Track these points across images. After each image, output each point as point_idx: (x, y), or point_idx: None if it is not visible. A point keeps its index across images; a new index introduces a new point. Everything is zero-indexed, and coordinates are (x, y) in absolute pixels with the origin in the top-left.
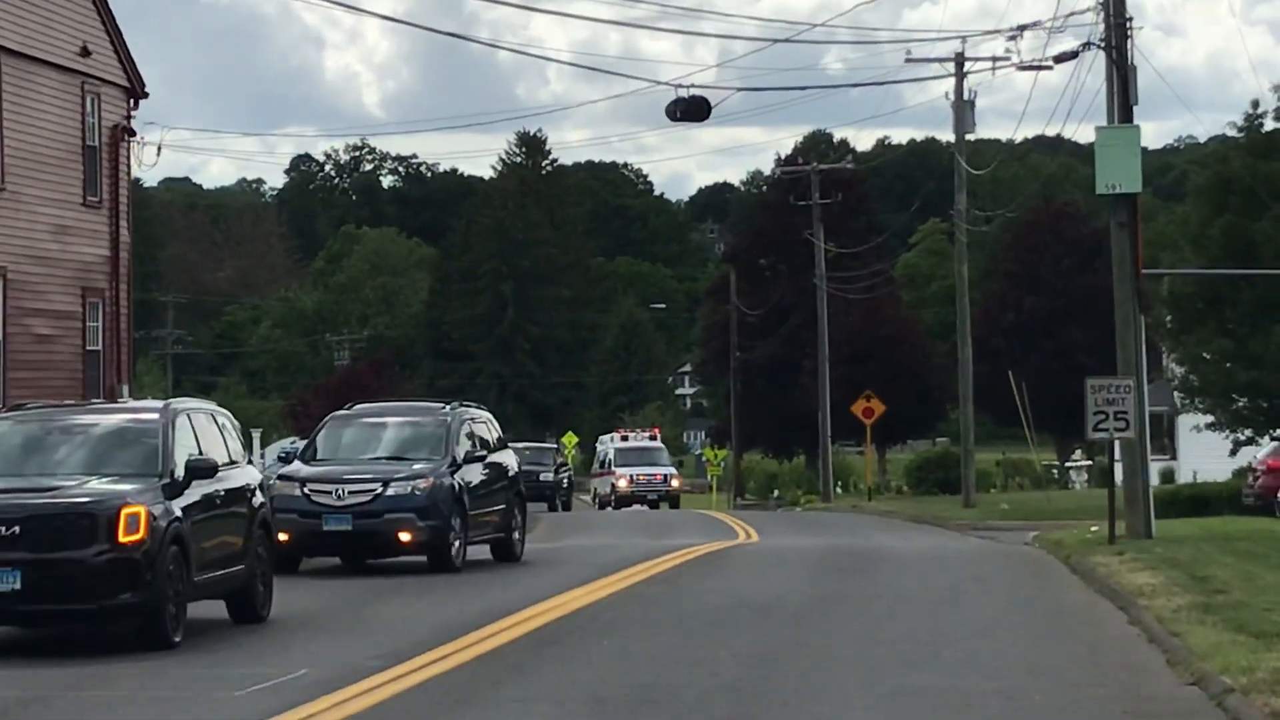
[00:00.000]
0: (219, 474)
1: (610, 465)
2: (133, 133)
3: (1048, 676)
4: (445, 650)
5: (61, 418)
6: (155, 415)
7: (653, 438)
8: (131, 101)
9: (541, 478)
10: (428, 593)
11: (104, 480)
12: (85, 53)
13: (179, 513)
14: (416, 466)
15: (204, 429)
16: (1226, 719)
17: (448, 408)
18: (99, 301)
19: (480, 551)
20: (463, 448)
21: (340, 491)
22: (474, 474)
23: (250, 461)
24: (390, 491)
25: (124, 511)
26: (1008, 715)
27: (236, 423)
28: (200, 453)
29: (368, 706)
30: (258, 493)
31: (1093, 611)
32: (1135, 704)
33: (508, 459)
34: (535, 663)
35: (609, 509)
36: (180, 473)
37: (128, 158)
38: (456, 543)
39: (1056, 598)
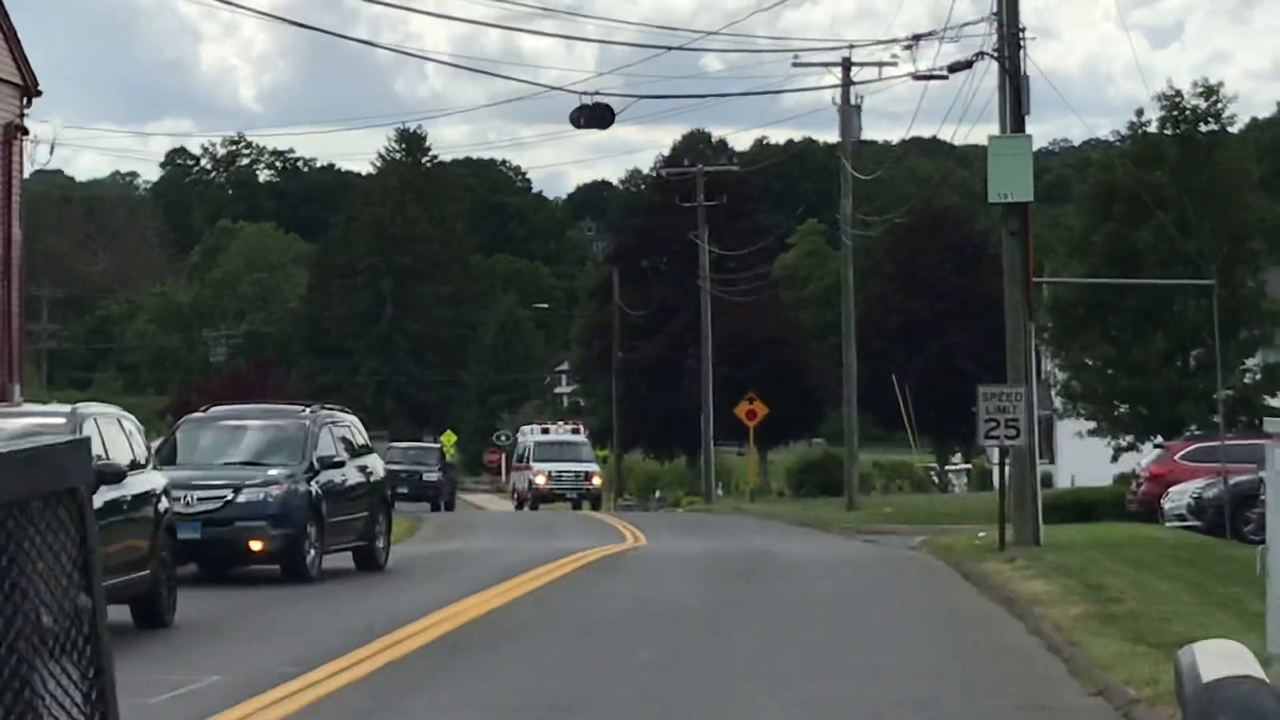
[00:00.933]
0: (125, 479)
1: (529, 460)
2: (26, 131)
3: (953, 685)
4: (355, 656)
5: None
6: (61, 420)
7: (575, 431)
8: (25, 99)
9: (425, 478)
10: (329, 598)
11: None
12: None
13: None
14: (271, 472)
15: (110, 433)
16: None
17: (308, 411)
18: None
19: (343, 560)
20: (322, 452)
21: (189, 498)
22: (334, 479)
23: (156, 468)
24: (241, 498)
25: None
26: None
27: (141, 427)
28: (107, 457)
29: (285, 715)
30: (163, 497)
31: (989, 619)
32: (1041, 715)
33: (373, 463)
34: (446, 670)
35: (525, 508)
36: None
37: (20, 156)
38: (312, 551)
39: (952, 605)
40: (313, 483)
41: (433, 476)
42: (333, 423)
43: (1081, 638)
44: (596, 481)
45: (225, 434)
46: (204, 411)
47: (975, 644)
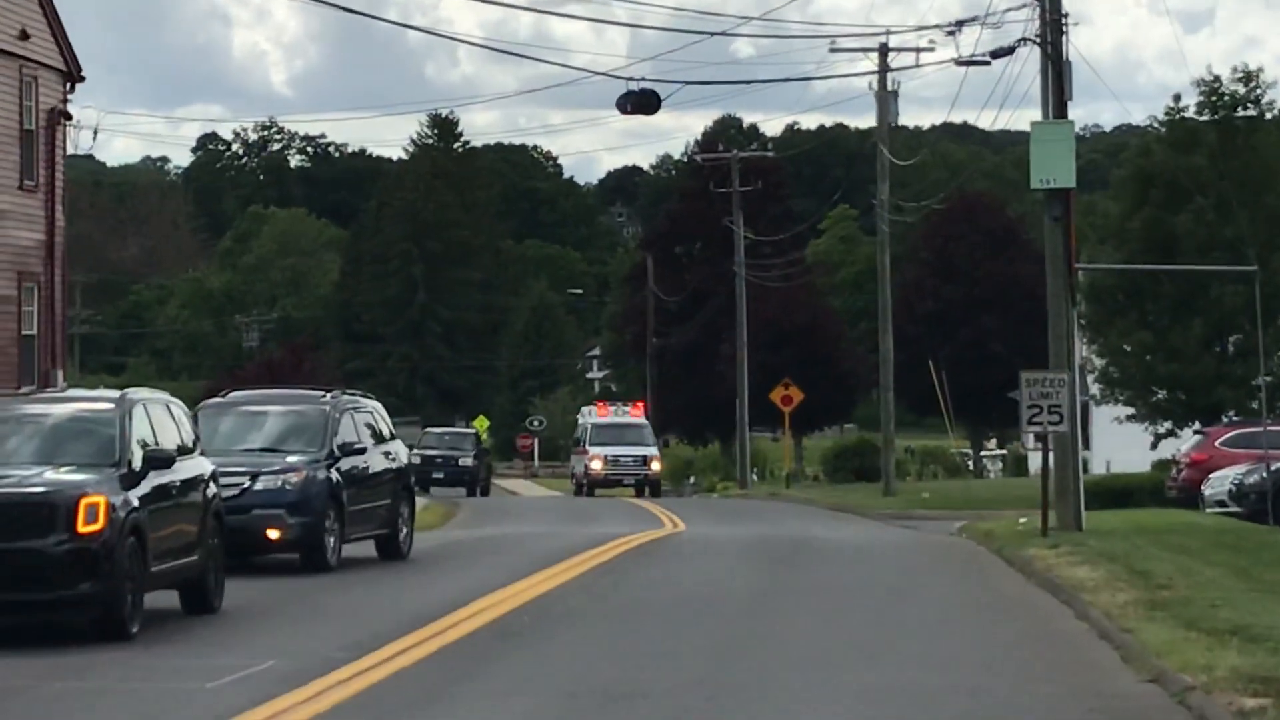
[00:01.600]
0: (175, 464)
1: (585, 443)
2: (69, 116)
3: (1005, 673)
4: (408, 641)
5: (15, 407)
6: (111, 405)
7: (635, 412)
8: (68, 85)
9: (461, 462)
10: (376, 583)
11: (61, 470)
12: (24, 36)
13: (136, 503)
14: (290, 459)
15: (159, 419)
16: (1190, 717)
17: (329, 396)
18: (34, 286)
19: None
20: (344, 439)
21: None
22: (355, 466)
23: (203, 452)
24: (259, 485)
25: (83, 501)
26: (973, 711)
27: (189, 412)
28: (155, 442)
29: (343, 699)
30: (211, 483)
31: (1036, 605)
32: (1097, 701)
33: (396, 450)
34: (498, 656)
35: (583, 494)
36: (137, 463)
37: (64, 141)
38: (331, 540)
39: (997, 591)
40: (333, 470)
41: (468, 461)
42: (355, 408)
43: (1133, 624)
44: (656, 466)
45: (245, 419)
46: (224, 396)
47: (1024, 630)
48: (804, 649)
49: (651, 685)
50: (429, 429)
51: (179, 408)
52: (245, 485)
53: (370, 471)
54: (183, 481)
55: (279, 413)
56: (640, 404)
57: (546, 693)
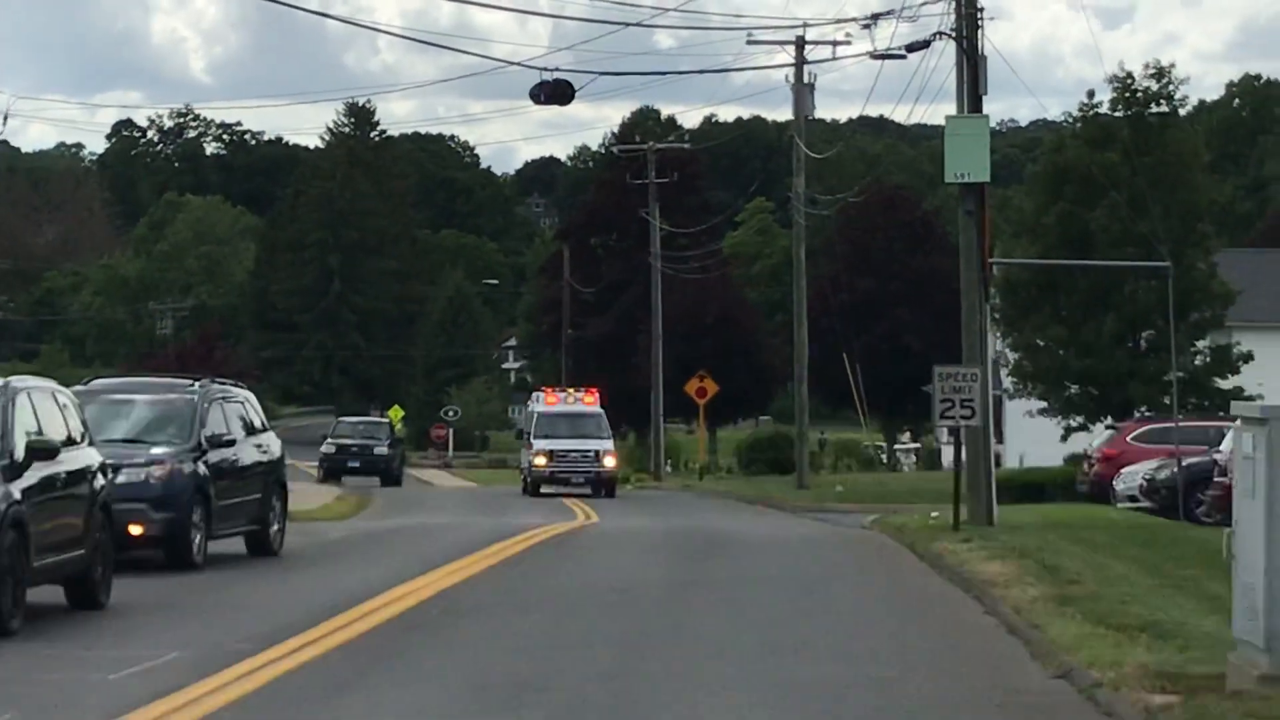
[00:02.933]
0: (60, 456)
1: (530, 436)
2: None
3: (915, 667)
4: (314, 634)
5: None
6: None
7: (588, 399)
8: None
9: (376, 451)
10: (283, 576)
11: None
12: None
13: (18, 495)
14: (154, 451)
15: (44, 408)
16: (1099, 713)
17: (197, 385)
18: None
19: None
20: (212, 430)
21: None
22: (224, 459)
23: (90, 442)
24: (121, 479)
25: None
26: (883, 706)
27: (76, 401)
28: (40, 433)
29: (251, 690)
30: (99, 475)
31: (947, 600)
32: (1005, 696)
33: (268, 442)
34: (405, 648)
35: (527, 494)
36: (20, 454)
37: None
38: (197, 537)
39: (909, 585)
40: (200, 463)
41: (383, 450)
42: (225, 398)
43: (1042, 619)
44: (610, 463)
45: (108, 409)
46: (85, 385)
47: (935, 625)
48: (715, 641)
49: (562, 677)
50: (342, 418)
51: (67, 397)
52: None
53: (240, 464)
54: (69, 473)
55: (144, 402)
56: (593, 390)
57: (456, 684)
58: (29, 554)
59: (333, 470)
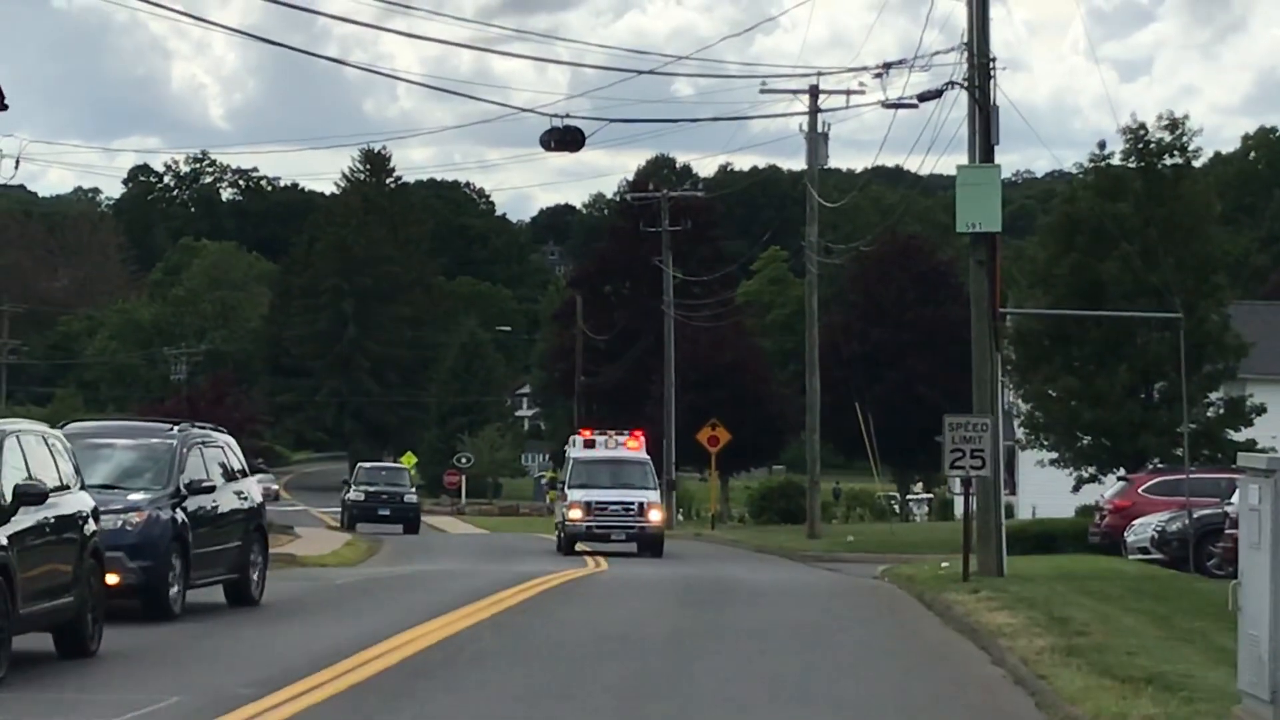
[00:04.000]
0: (49, 500)
1: (566, 484)
2: None
3: (918, 717)
4: (318, 679)
5: None
6: None
7: (631, 446)
8: None
9: (406, 499)
10: (287, 621)
11: None
12: None
13: (4, 541)
14: (132, 497)
15: (34, 452)
16: None
17: (176, 429)
18: None
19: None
20: (191, 476)
21: None
22: (203, 506)
23: (82, 486)
24: None
25: None
26: None
27: (69, 445)
28: (30, 476)
29: None
30: (90, 520)
31: (954, 651)
32: None
33: (248, 488)
34: (409, 695)
35: (562, 551)
36: (8, 498)
37: None
38: (176, 586)
39: (916, 635)
40: (178, 510)
41: (412, 498)
42: (205, 443)
43: (1048, 670)
44: (656, 517)
45: (85, 454)
46: (61, 428)
47: (941, 675)
48: (718, 691)
49: None
50: (362, 464)
51: (59, 440)
52: None
53: (219, 511)
54: (58, 518)
55: (123, 447)
56: (639, 433)
57: None
58: (16, 601)
59: (362, 518)
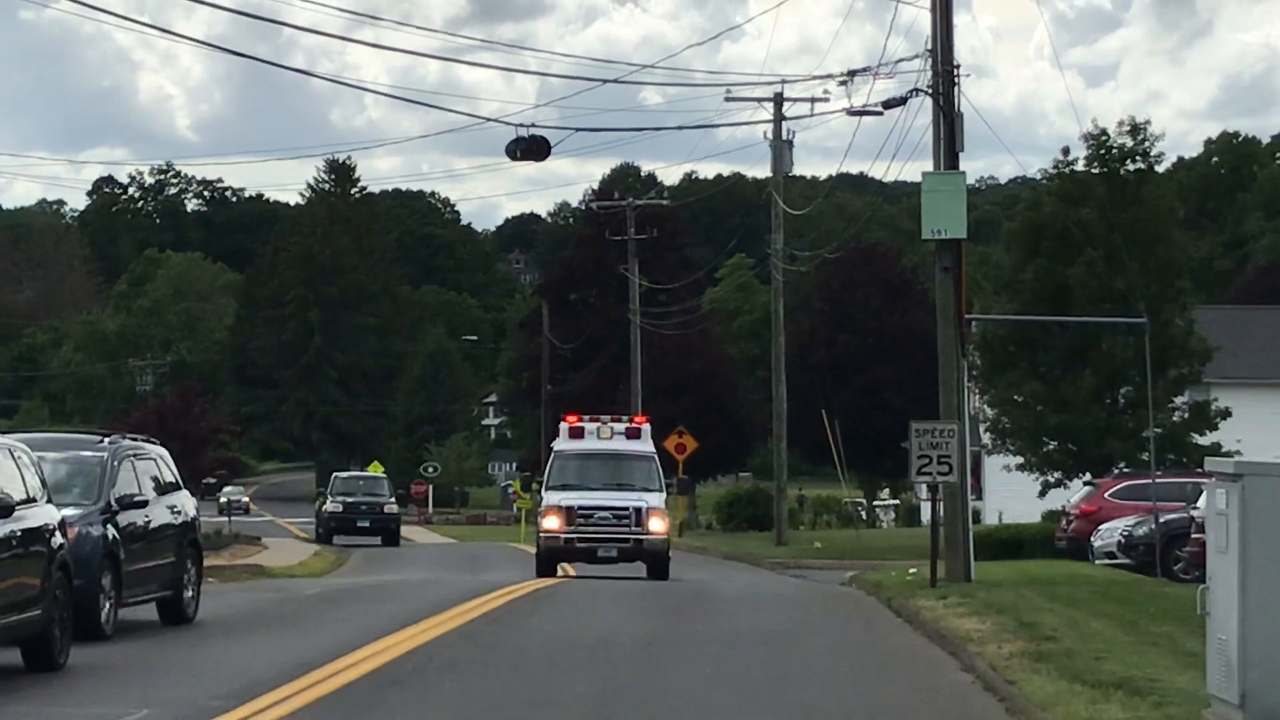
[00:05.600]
0: (16, 513)
1: (545, 485)
2: None
3: None
4: (288, 690)
5: None
6: None
7: (631, 436)
8: None
9: (386, 510)
10: (253, 632)
11: None
12: None
13: None
14: (61, 513)
15: (0, 465)
16: None
17: (107, 441)
18: None
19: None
20: (122, 490)
21: None
22: (135, 521)
23: (49, 500)
24: None
25: None
26: None
27: (35, 457)
28: None
29: None
30: (57, 533)
31: (923, 656)
32: None
33: (181, 502)
34: (379, 706)
35: (544, 572)
36: None
37: None
38: (107, 604)
39: (884, 642)
40: (109, 525)
41: (392, 509)
42: (136, 455)
43: (1018, 676)
44: (658, 526)
45: None
46: None
47: (910, 682)
48: (688, 699)
49: None
50: (338, 474)
51: (25, 453)
52: None
53: (152, 526)
54: (25, 531)
55: (51, 460)
56: (642, 418)
57: None
58: None
59: (340, 530)
